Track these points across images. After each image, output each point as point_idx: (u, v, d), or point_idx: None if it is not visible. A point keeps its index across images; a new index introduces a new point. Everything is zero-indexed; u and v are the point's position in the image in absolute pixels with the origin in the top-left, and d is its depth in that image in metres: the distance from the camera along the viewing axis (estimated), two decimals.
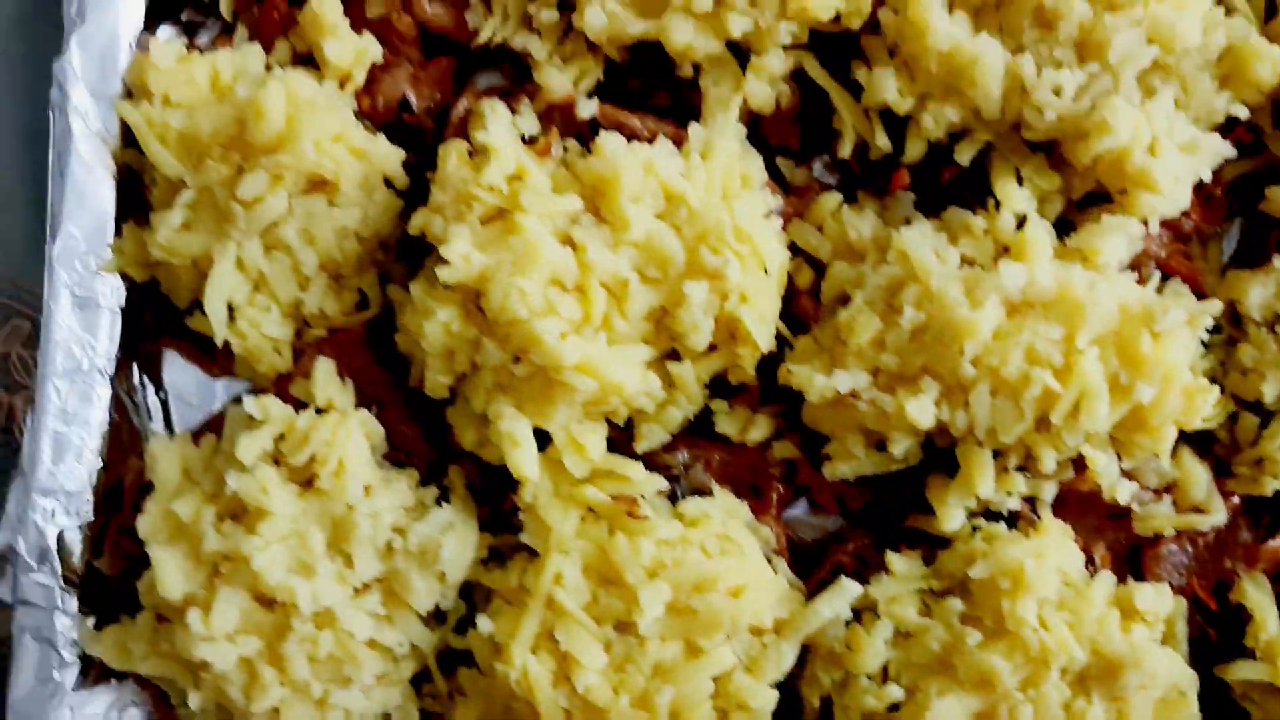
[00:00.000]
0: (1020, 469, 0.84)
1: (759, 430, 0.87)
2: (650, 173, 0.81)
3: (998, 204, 0.84)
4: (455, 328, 0.84)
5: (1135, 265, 0.88)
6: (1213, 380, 0.86)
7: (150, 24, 0.99)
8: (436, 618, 0.91)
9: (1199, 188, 0.88)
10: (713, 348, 0.85)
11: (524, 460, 0.84)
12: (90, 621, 0.94)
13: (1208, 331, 0.87)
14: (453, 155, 0.82)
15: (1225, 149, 0.84)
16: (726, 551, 0.84)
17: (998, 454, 0.84)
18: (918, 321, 0.78)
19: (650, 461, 0.89)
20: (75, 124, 0.92)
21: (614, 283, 0.81)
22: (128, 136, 0.94)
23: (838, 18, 0.85)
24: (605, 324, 0.81)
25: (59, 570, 0.93)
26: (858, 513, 0.91)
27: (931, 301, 0.78)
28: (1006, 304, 0.80)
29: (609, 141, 0.82)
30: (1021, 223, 0.84)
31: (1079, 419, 0.80)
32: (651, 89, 0.91)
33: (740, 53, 0.88)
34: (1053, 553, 0.84)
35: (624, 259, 0.81)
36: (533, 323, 0.78)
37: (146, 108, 0.90)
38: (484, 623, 0.86)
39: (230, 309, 0.90)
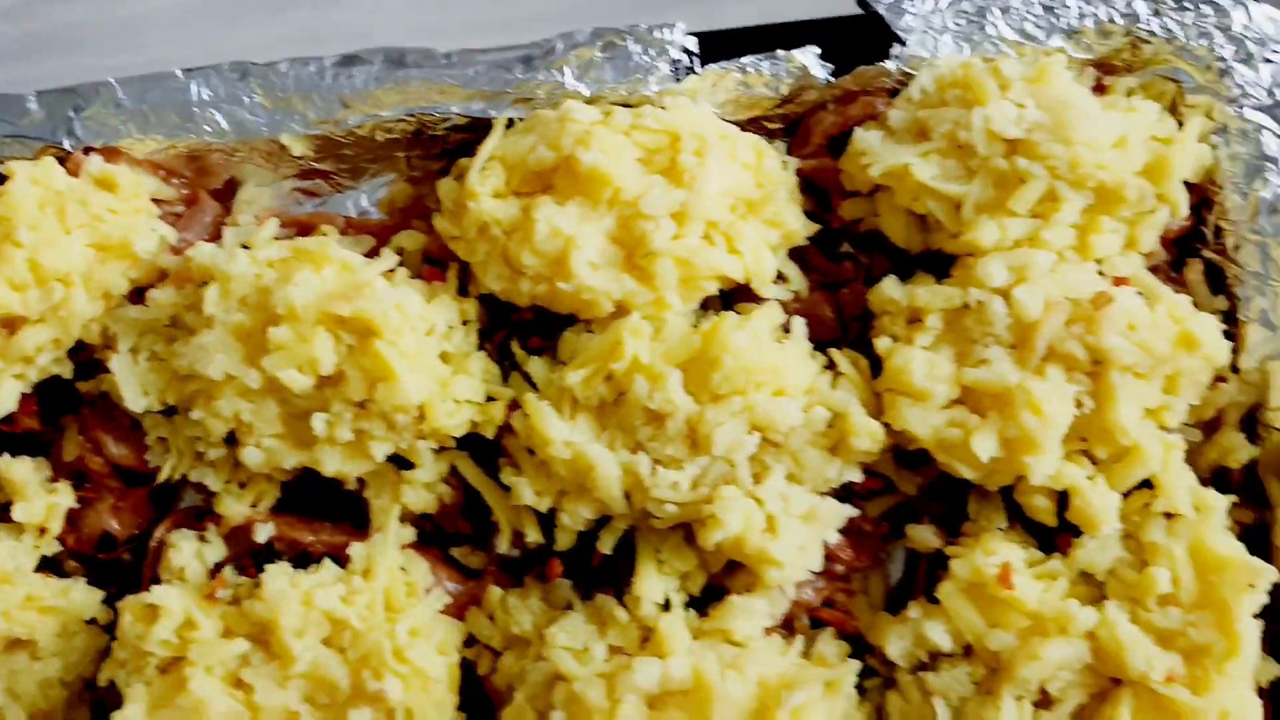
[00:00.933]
0: None
1: None
2: (309, 606, 0.84)
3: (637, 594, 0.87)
4: None
5: (788, 620, 0.87)
6: None
7: None
8: None
9: (849, 529, 0.89)
10: None
11: None
12: None
13: (864, 676, 0.87)
14: (126, 614, 0.86)
15: (845, 510, 0.85)
16: None
17: None
18: None
19: None
20: None
21: (284, 717, 0.86)
22: None
23: (475, 427, 0.89)
24: None
25: None
26: None
27: (575, 703, 0.81)
28: (646, 699, 0.83)
29: (272, 581, 0.86)
30: (664, 610, 0.86)
31: None
32: (325, 496, 0.92)
33: (401, 463, 0.92)
34: None
35: (292, 692, 0.84)
36: None
37: None
38: None
39: None
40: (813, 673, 0.85)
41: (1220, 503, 0.86)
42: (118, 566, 0.96)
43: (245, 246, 0.93)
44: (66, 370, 0.94)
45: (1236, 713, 0.82)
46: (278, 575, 0.87)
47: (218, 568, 0.93)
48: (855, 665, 0.87)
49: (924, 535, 0.90)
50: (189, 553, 0.91)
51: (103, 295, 0.95)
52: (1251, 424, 0.89)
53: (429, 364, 0.88)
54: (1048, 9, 0.93)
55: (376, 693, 0.84)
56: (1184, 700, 0.81)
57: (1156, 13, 0.93)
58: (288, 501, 0.96)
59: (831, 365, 0.90)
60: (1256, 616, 0.83)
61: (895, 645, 0.86)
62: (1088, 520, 0.85)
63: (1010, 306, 0.84)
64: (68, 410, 0.97)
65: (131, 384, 0.90)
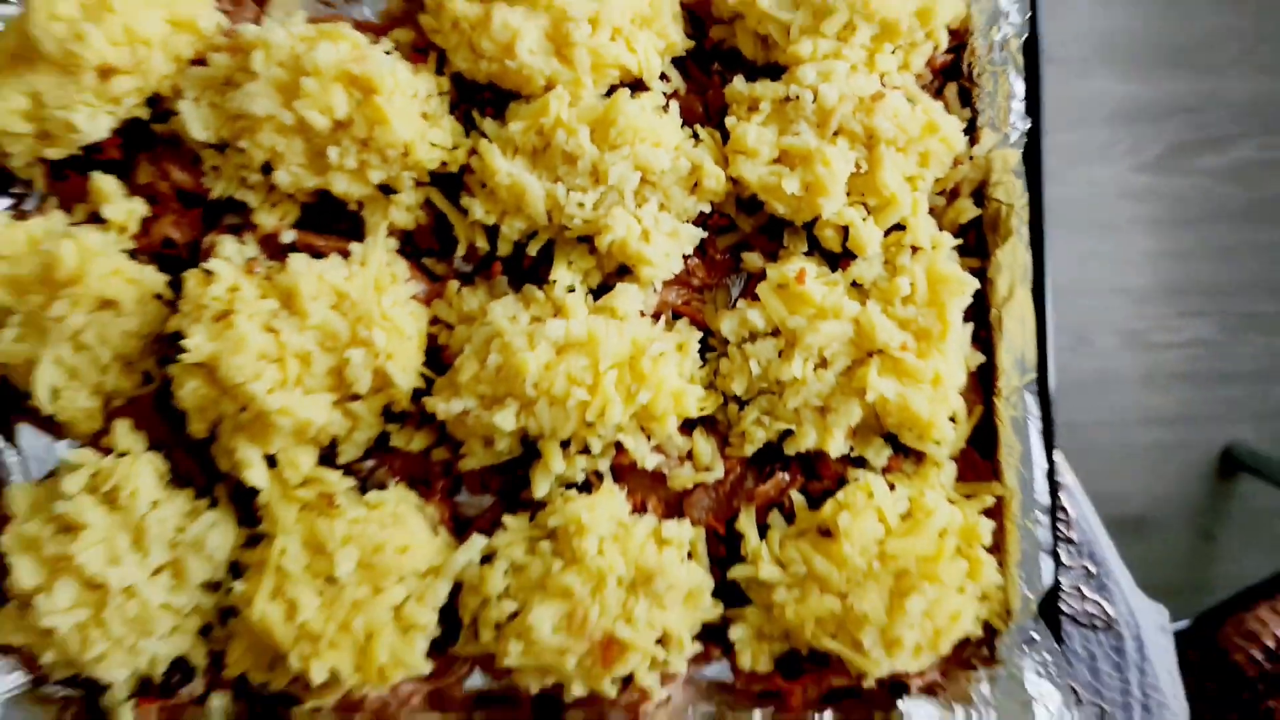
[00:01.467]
0: (583, 452, 1.20)
1: (419, 442, 1.24)
2: (320, 281, 1.19)
3: (554, 281, 1.24)
4: (202, 392, 1.19)
5: (657, 313, 1.26)
6: (710, 385, 1.25)
7: None
8: (214, 587, 1.23)
9: (706, 257, 1.29)
10: (378, 391, 1.24)
11: (256, 475, 1.21)
12: None
13: (707, 351, 1.27)
14: (189, 279, 1.19)
15: (698, 233, 1.24)
16: (397, 524, 1.19)
17: (566, 445, 1.21)
18: (498, 363, 1.17)
19: (349, 469, 1.25)
20: None
21: (301, 354, 1.18)
22: None
23: (444, 166, 1.25)
24: (298, 381, 1.18)
25: None
26: (497, 491, 1.27)
27: (506, 350, 1.18)
28: (555, 346, 1.18)
29: (294, 262, 1.20)
30: (570, 292, 1.24)
31: (605, 417, 1.15)
32: (334, 217, 1.27)
33: (389, 190, 1.28)
34: (603, 505, 1.19)
35: (308, 338, 1.19)
36: (247, 385, 1.15)
37: None
38: (237, 585, 1.18)
39: (55, 391, 1.24)
40: (670, 336, 1.23)
41: (949, 240, 1.24)
42: (177, 262, 1.28)
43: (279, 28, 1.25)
44: (144, 113, 1.26)
45: (945, 374, 1.20)
46: (298, 260, 1.21)
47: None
48: (698, 334, 1.25)
49: (753, 259, 1.28)
50: (231, 250, 1.24)
51: (174, 59, 1.26)
52: (980, 196, 1.27)
53: (413, 117, 1.22)
54: None
55: (366, 339, 1.19)
56: (911, 363, 1.19)
57: None
58: (306, 220, 1.28)
59: (696, 137, 1.26)
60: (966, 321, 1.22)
61: (727, 325, 1.24)
62: (860, 247, 1.22)
63: (816, 98, 1.20)
64: (143, 148, 1.28)
65: (195, 121, 1.23)
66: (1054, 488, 1.17)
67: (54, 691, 1.24)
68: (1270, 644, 1.58)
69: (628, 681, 1.19)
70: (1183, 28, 3.14)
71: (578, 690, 1.18)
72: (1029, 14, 1.22)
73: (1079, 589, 1.23)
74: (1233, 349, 3.02)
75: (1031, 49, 1.21)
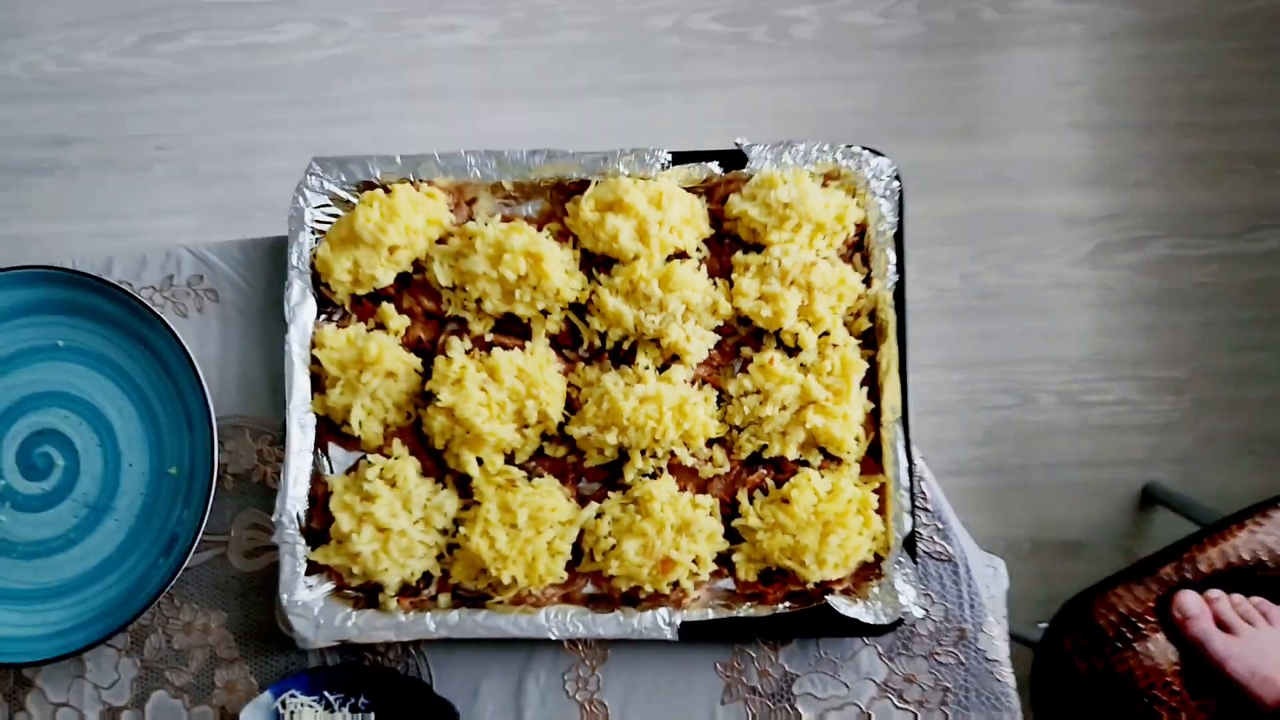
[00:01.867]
0: (652, 457, 1.74)
1: (561, 451, 1.84)
2: (510, 362, 1.82)
3: (637, 364, 2.13)
4: (444, 424, 1.72)
5: (693, 380, 1.77)
6: (722, 419, 1.79)
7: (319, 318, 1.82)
8: (445, 532, 1.76)
9: (719, 348, 1.88)
10: (539, 423, 2.09)
11: (472, 469, 1.74)
12: (308, 548, 1.74)
13: (721, 401, 1.79)
14: (438, 361, 1.77)
15: (715, 337, 1.83)
16: (548, 496, 1.74)
17: (643, 453, 1.73)
18: (607, 407, 1.90)
19: (523, 466, 1.83)
20: (293, 354, 1.75)
21: (500, 403, 1.77)
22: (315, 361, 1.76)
23: (577, 299, 2.02)
24: (498, 418, 1.87)
25: (299, 527, 1.74)
26: (604, 480, 1.98)
27: (611, 400, 1.91)
28: (638, 398, 1.73)
29: (495, 353, 1.90)
30: (645, 369, 2.13)
31: (664, 438, 1.69)
32: (515, 327, 1.91)
33: (546, 312, 2.16)
34: (663, 485, 1.71)
35: (503, 393, 1.88)
36: (471, 419, 1.69)
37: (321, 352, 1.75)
38: (461, 530, 1.69)
39: (360, 423, 1.75)
40: (700, 393, 1.81)
41: (853, 341, 1.81)
42: (427, 353, 1.85)
43: (485, 224, 1.73)
44: (410, 269, 1.79)
45: (851, 415, 1.73)
46: (497, 351, 1.81)
47: None
48: (715, 392, 1.81)
49: (746, 351, 1.82)
50: (458, 346, 1.79)
51: (429, 240, 1.77)
52: (872, 315, 1.79)
53: (561, 273, 1.74)
54: (805, 157, 1.80)
55: (535, 394, 1.74)
56: (832, 408, 1.71)
57: (846, 156, 1.80)
58: (499, 328, 1.85)
59: (715, 284, 1.79)
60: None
61: (732, 387, 1.77)
62: (804, 345, 1.70)
63: (780, 265, 1.71)
64: (407, 288, 1.84)
65: (441, 273, 1.75)
66: (912, 477, 1.70)
67: (351, 594, 1.76)
68: (1123, 610, 2.09)
69: (675, 585, 1.72)
70: (1108, 153, 3.67)
71: (648, 589, 1.71)
72: (898, 217, 1.78)
73: (931, 537, 2.07)
74: (1149, 407, 3.37)
75: (899, 236, 1.77)
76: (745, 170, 1.83)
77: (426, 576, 1.79)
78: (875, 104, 3.37)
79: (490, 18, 3.47)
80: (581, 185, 1.80)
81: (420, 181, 1.80)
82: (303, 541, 1.74)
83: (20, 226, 3.27)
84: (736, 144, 1.81)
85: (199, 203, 3.30)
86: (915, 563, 1.76)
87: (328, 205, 1.83)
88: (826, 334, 1.82)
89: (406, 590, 1.79)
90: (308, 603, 1.71)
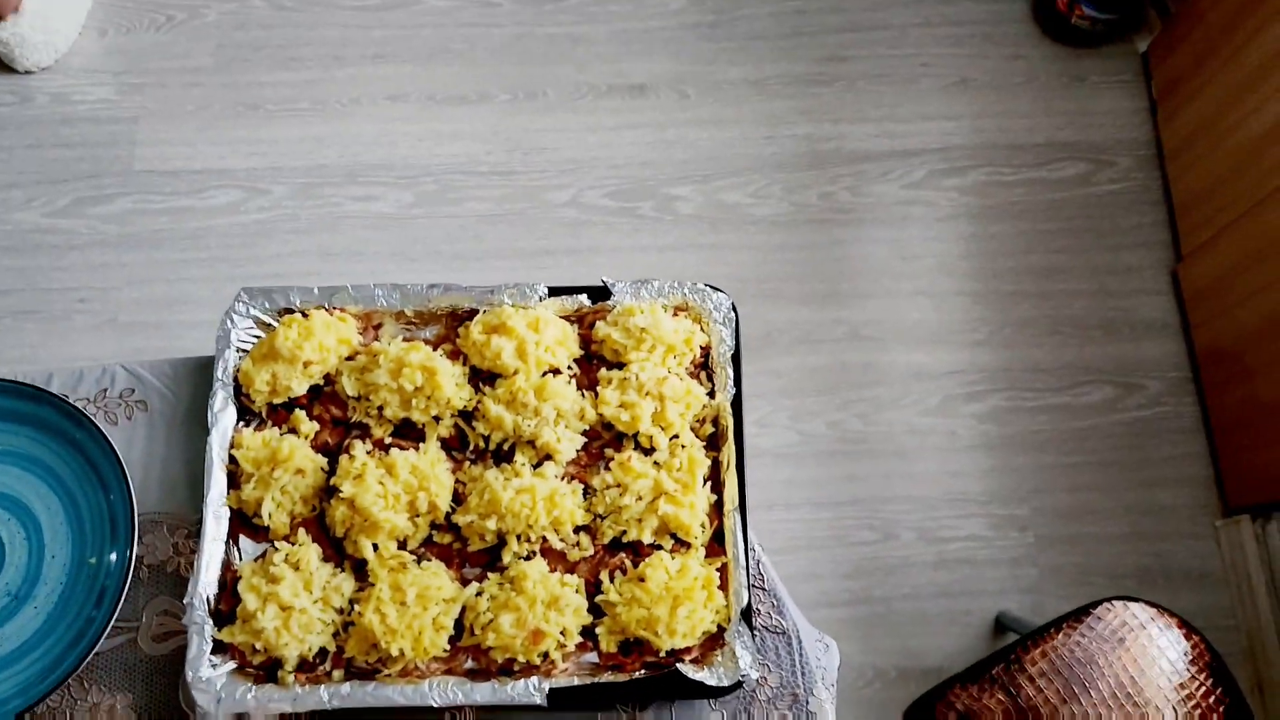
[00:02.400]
0: (526, 541, 1.84)
1: (447, 538, 2.00)
2: (405, 460, 2.08)
3: (516, 460, 2.47)
4: (345, 514, 1.87)
5: (564, 476, 2.07)
6: (588, 509, 1.90)
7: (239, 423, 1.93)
8: (341, 611, 1.86)
9: (587, 449, 2.31)
10: (430, 512, 2.42)
11: (368, 554, 1.86)
12: (215, 628, 1.80)
13: (587, 493, 2.10)
14: (342, 459, 2.18)
15: (582, 439, 2.10)
16: (435, 577, 1.98)
17: (519, 538, 1.85)
18: (488, 497, 2.17)
19: (413, 551, 2.10)
20: (213, 454, 1.91)
21: (395, 495, 2.03)
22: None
23: (465, 407, 2.49)
24: (393, 507, 2.21)
25: (208, 609, 1.79)
26: (483, 564, 2.31)
27: (492, 492, 2.32)
28: (516, 489, 2.19)
29: (393, 452, 2.42)
30: (522, 465, 2.47)
31: (537, 524, 1.84)
32: (411, 431, 2.43)
33: (438, 419, 2.53)
34: (535, 566, 1.80)
35: (399, 487, 2.35)
36: (370, 508, 1.93)
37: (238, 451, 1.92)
38: (356, 608, 1.83)
39: (270, 515, 1.82)
40: (569, 487, 1.97)
41: (699, 442, 1.93)
42: (333, 453, 2.24)
43: (389, 344, 1.89)
44: (321, 382, 1.93)
45: (697, 504, 1.84)
46: (394, 451, 2.12)
47: None
48: (582, 486, 2.00)
49: (609, 451, 2.04)
50: (360, 448, 2.31)
51: (340, 357, 1.91)
52: (715, 422, 1.88)
53: (453, 385, 1.89)
54: (659, 292, 2.00)
55: (426, 488, 1.97)
56: (681, 498, 1.88)
57: (692, 292, 2.03)
58: (397, 432, 2.04)
59: (584, 395, 2.07)
60: None
61: (596, 481, 1.99)
62: (657, 446, 1.86)
63: (637, 379, 1.86)
64: (317, 398, 1.97)
65: (349, 384, 1.90)
66: (748, 559, 1.80)
67: (253, 671, 1.83)
68: (960, 708, 2.37)
69: (545, 657, 1.81)
70: (950, 317, 4.05)
71: (521, 660, 1.78)
72: (735, 340, 1.96)
73: (768, 613, 2.30)
74: (997, 542, 3.59)
75: (736, 356, 1.94)
76: (609, 302, 2.01)
77: (323, 653, 1.86)
78: (749, 271, 3.69)
79: (405, 189, 3.76)
80: (471, 313, 2.00)
81: (334, 309, 1.99)
82: (210, 622, 1.81)
83: None
84: (603, 281, 2.01)
85: (117, 350, 3.41)
86: (753, 633, 1.84)
87: (251, 328, 2.00)
88: (676, 437, 1.98)
89: (304, 666, 1.85)
90: (211, 679, 1.76)
